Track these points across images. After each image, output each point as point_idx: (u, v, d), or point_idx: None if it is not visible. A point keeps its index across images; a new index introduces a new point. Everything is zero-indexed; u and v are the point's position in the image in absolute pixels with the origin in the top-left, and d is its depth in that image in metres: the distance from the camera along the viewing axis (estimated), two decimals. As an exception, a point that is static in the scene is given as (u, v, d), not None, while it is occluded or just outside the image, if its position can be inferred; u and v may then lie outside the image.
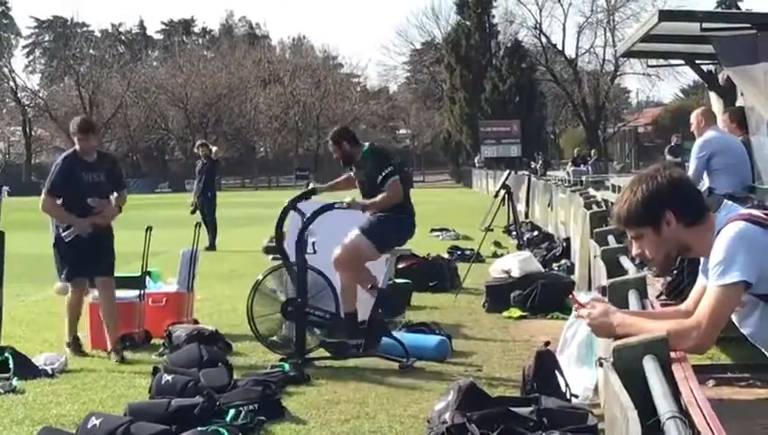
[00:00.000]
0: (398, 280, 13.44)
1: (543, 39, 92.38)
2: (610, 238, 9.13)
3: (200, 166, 24.16)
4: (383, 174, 10.10)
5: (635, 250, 4.22)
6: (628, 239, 4.35)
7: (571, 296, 5.14)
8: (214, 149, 25.14)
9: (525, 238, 20.92)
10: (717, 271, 3.92)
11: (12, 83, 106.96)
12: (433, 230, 25.46)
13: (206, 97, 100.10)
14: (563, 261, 16.96)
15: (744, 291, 3.93)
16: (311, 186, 11.08)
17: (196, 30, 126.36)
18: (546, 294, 12.94)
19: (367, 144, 10.78)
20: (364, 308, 10.28)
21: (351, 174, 10.68)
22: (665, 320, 4.15)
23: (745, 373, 8.61)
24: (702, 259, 4.18)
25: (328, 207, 10.36)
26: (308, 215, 10.29)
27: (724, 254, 3.92)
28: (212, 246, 22.71)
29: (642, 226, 4.12)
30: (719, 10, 68.39)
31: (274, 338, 10.48)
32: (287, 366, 9.33)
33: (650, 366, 3.63)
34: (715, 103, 15.96)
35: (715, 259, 3.95)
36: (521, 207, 28.59)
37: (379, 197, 10.15)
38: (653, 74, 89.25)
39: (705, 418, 3.16)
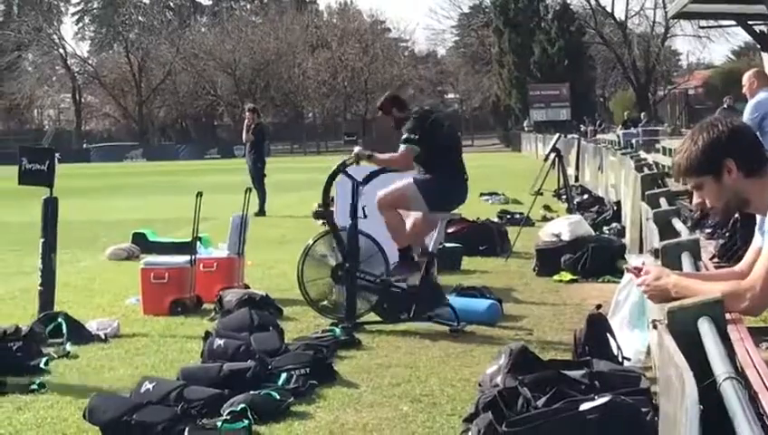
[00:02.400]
0: (448, 244, 13.43)
1: (593, 1, 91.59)
2: (662, 201, 9.05)
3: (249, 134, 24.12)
4: (404, 136, 10.09)
5: (695, 200, 4.17)
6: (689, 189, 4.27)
7: (627, 268, 5.06)
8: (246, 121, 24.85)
9: (575, 202, 20.81)
10: (774, 231, 3.88)
11: (61, 51, 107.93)
12: (482, 194, 25.37)
13: (255, 63, 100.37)
14: (614, 224, 16.87)
15: None
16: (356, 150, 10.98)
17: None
18: (597, 258, 12.84)
19: (416, 107, 10.77)
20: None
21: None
22: (719, 282, 4.10)
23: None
24: (758, 218, 4.13)
25: (377, 173, 10.40)
26: (358, 179, 10.29)
27: (782, 215, 3.86)
28: (261, 212, 22.78)
29: (703, 174, 4.04)
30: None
31: (325, 302, 10.48)
32: (338, 330, 9.34)
33: (705, 328, 3.59)
34: (768, 64, 15.81)
35: (772, 219, 3.90)
36: (571, 171, 28.42)
37: (388, 155, 10.22)
38: (704, 36, 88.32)
39: (761, 379, 3.13)
